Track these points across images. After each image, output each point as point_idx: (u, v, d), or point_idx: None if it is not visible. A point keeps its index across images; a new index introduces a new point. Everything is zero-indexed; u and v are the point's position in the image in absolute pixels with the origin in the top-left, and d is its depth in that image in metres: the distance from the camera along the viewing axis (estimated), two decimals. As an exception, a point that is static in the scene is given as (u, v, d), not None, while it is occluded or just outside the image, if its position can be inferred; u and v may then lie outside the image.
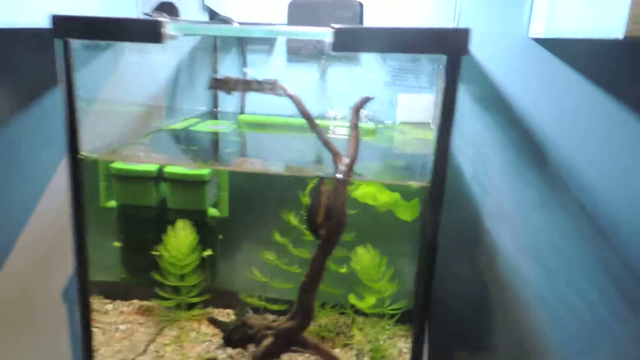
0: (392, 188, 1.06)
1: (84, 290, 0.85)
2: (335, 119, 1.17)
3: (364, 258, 1.00)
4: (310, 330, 1.14)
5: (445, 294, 1.40)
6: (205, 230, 1.06)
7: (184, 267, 0.91)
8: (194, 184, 1.02)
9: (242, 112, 1.20)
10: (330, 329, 1.13)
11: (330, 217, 0.77)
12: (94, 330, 1.05)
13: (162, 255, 0.91)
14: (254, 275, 1.06)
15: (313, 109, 1.29)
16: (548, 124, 1.23)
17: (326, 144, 0.77)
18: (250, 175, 1.04)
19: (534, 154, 1.26)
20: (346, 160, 0.77)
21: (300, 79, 1.24)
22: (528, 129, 1.25)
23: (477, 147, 1.29)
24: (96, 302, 1.10)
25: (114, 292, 1.14)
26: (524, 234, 1.32)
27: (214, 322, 0.94)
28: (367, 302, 1.04)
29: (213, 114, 1.24)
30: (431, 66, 1.26)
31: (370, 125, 1.15)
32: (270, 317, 0.99)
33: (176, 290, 0.95)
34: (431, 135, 1.23)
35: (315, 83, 1.24)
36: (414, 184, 0.80)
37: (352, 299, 1.05)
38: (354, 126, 0.78)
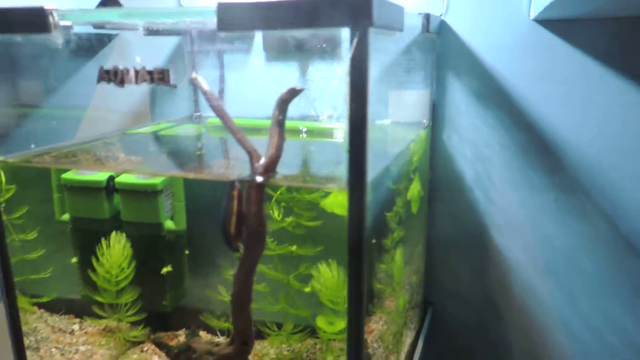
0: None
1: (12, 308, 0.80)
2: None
3: (326, 276, 0.88)
4: (283, 356, 1.03)
5: (452, 320, 1.23)
6: (162, 245, 0.99)
7: (119, 282, 0.85)
8: (145, 194, 0.96)
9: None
10: (303, 356, 1.01)
11: (244, 227, 0.67)
12: (53, 350, 1.00)
13: (96, 270, 0.85)
14: (217, 294, 0.97)
15: (296, 111, 1.19)
16: (558, 117, 1.06)
17: (241, 141, 0.67)
18: (208, 182, 0.96)
19: (544, 154, 1.08)
20: (262, 160, 0.66)
21: (280, 79, 1.16)
22: (535, 126, 1.08)
23: (477, 148, 1.13)
24: (65, 321, 1.06)
25: (86, 310, 1.10)
26: (538, 248, 1.13)
27: (158, 345, 0.86)
28: (336, 327, 0.91)
29: (193, 119, 1.19)
30: (424, 59, 1.13)
31: (330, 124, 1.04)
32: (221, 340, 0.90)
33: (113, 307, 0.88)
34: (415, 135, 1.10)
35: (297, 83, 1.15)
36: (332, 188, 0.68)
37: (321, 322, 0.93)
38: (276, 122, 0.67)
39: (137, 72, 0.64)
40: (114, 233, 0.87)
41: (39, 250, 1.00)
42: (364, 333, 0.65)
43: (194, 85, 0.71)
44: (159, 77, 0.62)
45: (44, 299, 1.00)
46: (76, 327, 1.03)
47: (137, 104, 1.18)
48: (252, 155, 0.67)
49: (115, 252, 0.84)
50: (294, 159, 0.84)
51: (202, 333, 1.08)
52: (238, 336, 0.76)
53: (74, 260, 0.96)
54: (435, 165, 1.16)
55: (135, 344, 0.98)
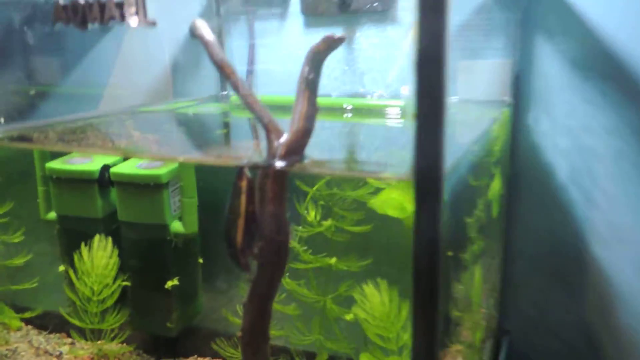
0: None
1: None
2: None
3: (373, 301, 0.65)
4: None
5: (534, 354, 0.96)
6: (167, 252, 0.78)
7: (102, 301, 0.64)
8: (147, 189, 0.76)
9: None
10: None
11: (257, 235, 0.45)
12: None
13: (73, 283, 0.65)
14: (236, 315, 0.76)
15: (340, 87, 0.95)
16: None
17: (253, 109, 0.45)
18: (226, 171, 0.75)
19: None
20: (284, 137, 0.44)
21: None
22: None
23: (575, 135, 0.87)
24: (54, 341, 0.88)
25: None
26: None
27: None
28: (384, 368, 0.68)
29: (219, 98, 1.01)
30: (505, 18, 0.87)
31: (381, 100, 0.81)
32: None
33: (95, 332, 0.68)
34: (497, 115, 0.84)
35: (341, 53, 0.93)
36: (389, 176, 0.45)
37: (364, 360, 0.69)
38: (306, 85, 0.45)
39: (102, 7, 0.43)
40: (96, 237, 0.67)
41: (24, 255, 0.82)
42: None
43: (194, 35, 0.49)
44: (131, 12, 0.41)
45: (27, 315, 0.81)
46: (65, 348, 0.84)
47: (157, 81, 1.01)
48: (270, 130, 0.45)
49: (98, 261, 0.64)
50: (333, 141, 0.62)
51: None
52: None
53: (62, 268, 0.77)
54: (517, 157, 0.91)
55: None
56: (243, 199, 0.44)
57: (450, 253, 0.75)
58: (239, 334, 0.51)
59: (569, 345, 0.96)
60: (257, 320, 0.49)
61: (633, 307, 0.89)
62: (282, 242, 0.44)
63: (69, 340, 0.88)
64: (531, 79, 0.88)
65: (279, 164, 0.43)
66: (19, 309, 0.87)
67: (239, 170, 0.45)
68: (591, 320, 0.94)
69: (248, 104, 0.46)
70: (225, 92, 1.02)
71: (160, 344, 0.87)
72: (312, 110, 0.46)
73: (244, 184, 0.44)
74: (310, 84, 0.46)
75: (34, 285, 0.84)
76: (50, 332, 0.87)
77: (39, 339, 0.85)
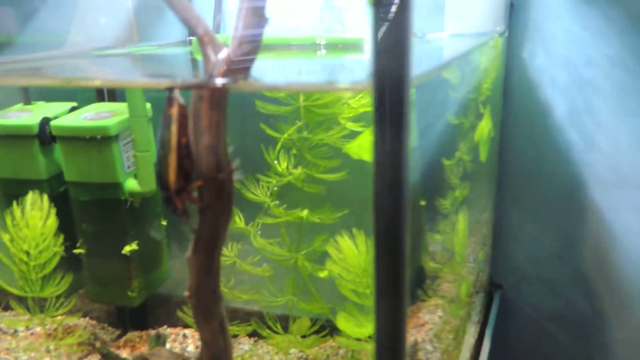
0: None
1: None
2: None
3: (348, 253, 0.57)
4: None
5: (528, 308, 0.91)
6: (123, 214, 0.70)
7: (37, 267, 0.56)
8: (94, 143, 0.67)
9: (215, 33, 0.87)
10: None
11: (192, 171, 0.36)
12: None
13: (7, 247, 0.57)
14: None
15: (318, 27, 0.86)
16: None
17: (185, 19, 0.36)
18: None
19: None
20: (224, 51, 0.35)
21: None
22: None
23: (575, 68, 0.79)
24: (9, 318, 0.80)
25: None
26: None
27: (104, 356, 0.58)
28: (365, 329, 0.61)
29: (187, 42, 0.92)
30: None
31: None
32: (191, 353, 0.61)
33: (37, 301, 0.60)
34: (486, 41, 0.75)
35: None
36: (344, 86, 0.37)
37: (342, 322, 0.62)
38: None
39: None
40: (29, 194, 0.58)
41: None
42: (404, 340, 0.34)
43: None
44: None
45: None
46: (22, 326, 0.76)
47: (120, 24, 0.92)
48: (205, 43, 0.36)
49: (34, 222, 0.56)
50: (294, 68, 0.53)
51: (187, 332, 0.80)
52: (207, 351, 0.47)
53: (6, 237, 0.69)
54: (510, 94, 0.82)
55: (94, 348, 0.71)
56: (174, 129, 0.35)
57: (423, 202, 0.68)
58: (186, 293, 0.43)
59: (564, 298, 0.90)
60: (203, 277, 0.41)
61: (632, 256, 0.83)
62: (223, 180, 0.36)
63: (26, 317, 0.81)
64: (527, 6, 0.78)
65: (217, 81, 0.35)
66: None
67: (168, 95, 0.36)
68: (588, 271, 0.88)
69: (178, 10, 0.37)
70: (192, 37, 0.93)
71: (125, 316, 0.80)
72: (259, 20, 0.37)
73: (174, 111, 0.36)
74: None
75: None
76: (5, 309, 0.80)
77: (-5, 315, 0.77)
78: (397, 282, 0.31)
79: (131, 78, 0.51)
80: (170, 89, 0.36)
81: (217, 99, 0.35)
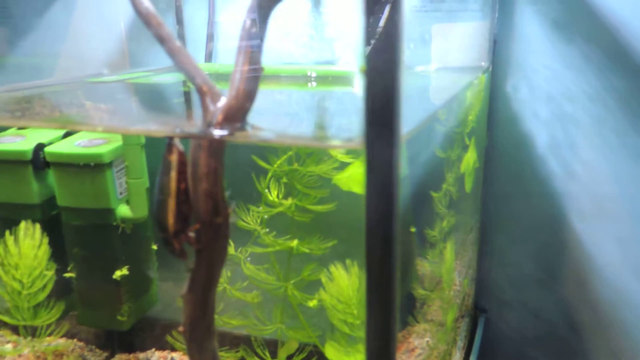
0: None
1: None
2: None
3: (340, 283, 0.59)
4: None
5: (512, 333, 0.93)
6: (114, 240, 0.71)
7: (29, 295, 0.57)
8: (88, 169, 0.68)
9: (207, 61, 0.93)
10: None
11: (190, 215, 0.38)
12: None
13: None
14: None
15: (309, 55, 0.87)
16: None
17: (185, 70, 0.38)
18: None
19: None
20: (222, 102, 0.37)
21: (287, 13, 0.86)
22: (644, 66, 0.75)
23: (556, 102, 0.82)
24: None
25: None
26: (638, 241, 0.81)
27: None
28: (353, 359, 0.62)
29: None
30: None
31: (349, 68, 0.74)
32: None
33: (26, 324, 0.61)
34: (472, 80, 0.78)
35: (309, 18, 0.85)
36: (337, 144, 0.39)
37: (331, 351, 0.64)
38: (247, 37, 0.38)
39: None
40: (22, 224, 0.59)
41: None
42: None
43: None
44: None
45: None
46: (9, 347, 0.76)
47: (112, 50, 0.94)
48: (205, 93, 0.37)
49: (26, 251, 0.56)
50: (283, 110, 0.55)
51: (175, 356, 0.81)
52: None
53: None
54: (495, 127, 0.85)
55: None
56: (173, 175, 0.37)
57: (413, 229, 0.70)
58: (181, 329, 0.44)
59: (547, 323, 0.93)
60: (198, 313, 0.42)
61: (613, 283, 0.86)
62: (220, 224, 0.38)
63: (14, 337, 0.80)
64: (510, 42, 0.82)
65: (216, 132, 0.36)
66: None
67: (168, 142, 0.38)
68: (569, 297, 0.91)
69: (177, 62, 0.38)
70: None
71: (114, 339, 0.80)
72: (256, 70, 0.39)
73: (174, 157, 0.37)
74: (251, 37, 0.39)
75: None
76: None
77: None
78: (388, 310, 0.33)
79: (133, 126, 0.52)
80: (170, 137, 0.38)
81: (215, 147, 0.37)
